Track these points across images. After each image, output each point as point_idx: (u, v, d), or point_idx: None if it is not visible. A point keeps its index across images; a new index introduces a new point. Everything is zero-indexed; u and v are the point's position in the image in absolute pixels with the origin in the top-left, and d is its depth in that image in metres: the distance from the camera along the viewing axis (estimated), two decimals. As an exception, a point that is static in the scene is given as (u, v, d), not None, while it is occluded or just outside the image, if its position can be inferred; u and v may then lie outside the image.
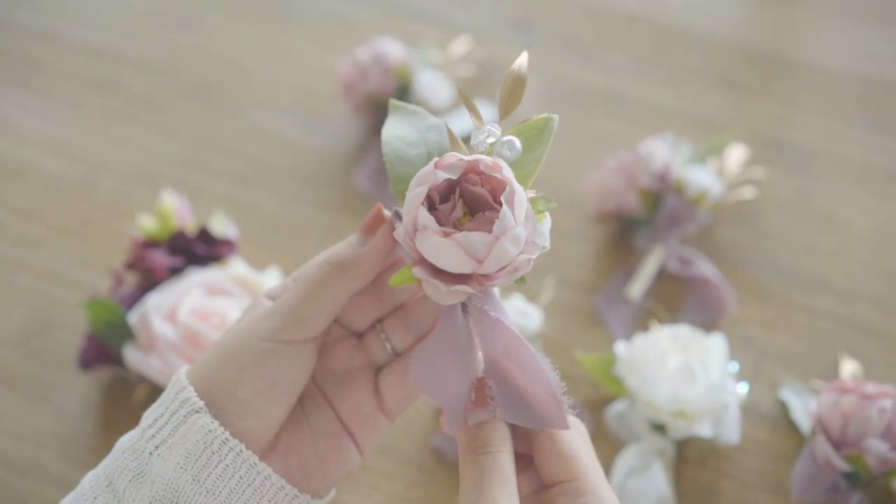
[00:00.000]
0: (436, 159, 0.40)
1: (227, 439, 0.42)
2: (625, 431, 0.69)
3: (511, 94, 0.43)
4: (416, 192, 0.40)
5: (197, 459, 0.42)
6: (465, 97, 0.43)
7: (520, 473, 0.45)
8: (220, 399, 0.43)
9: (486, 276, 0.39)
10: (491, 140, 0.42)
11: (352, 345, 0.50)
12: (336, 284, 0.45)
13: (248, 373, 0.43)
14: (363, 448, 0.49)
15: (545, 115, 0.43)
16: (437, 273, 0.40)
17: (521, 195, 0.39)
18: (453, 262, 0.39)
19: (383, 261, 0.46)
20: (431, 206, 0.40)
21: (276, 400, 0.44)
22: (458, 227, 0.40)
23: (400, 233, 0.41)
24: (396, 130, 0.45)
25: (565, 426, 0.42)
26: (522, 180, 0.42)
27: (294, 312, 0.44)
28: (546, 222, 0.42)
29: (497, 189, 0.40)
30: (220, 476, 0.42)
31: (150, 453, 0.43)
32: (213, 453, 0.42)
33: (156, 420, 0.44)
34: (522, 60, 0.43)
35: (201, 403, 0.43)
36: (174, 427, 0.43)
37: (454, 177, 0.40)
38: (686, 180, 0.81)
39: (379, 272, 0.47)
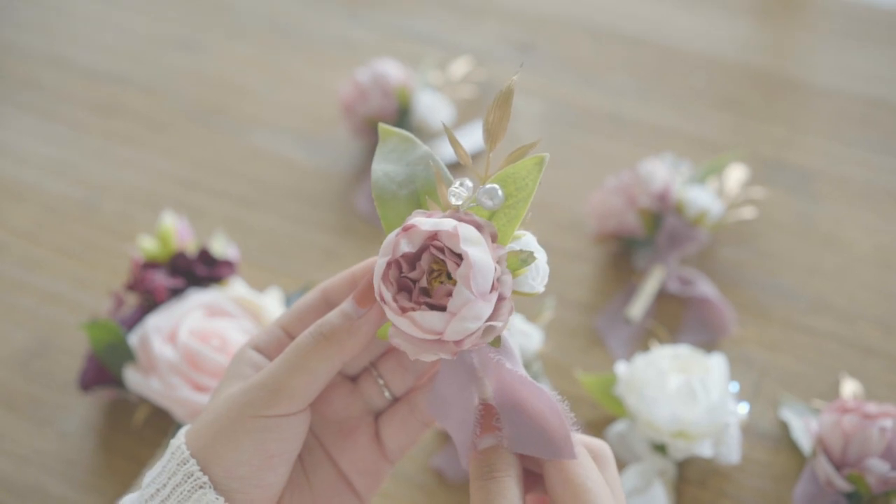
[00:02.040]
0: (406, 222, 0.40)
1: None
2: (625, 452, 0.68)
3: (498, 124, 0.41)
4: (379, 264, 0.40)
5: None
6: (449, 133, 0.42)
7: (540, 499, 0.46)
8: (220, 474, 0.43)
9: (457, 342, 0.39)
10: (466, 195, 0.41)
11: (347, 390, 0.49)
12: (329, 358, 0.44)
13: (245, 451, 0.43)
14: (366, 499, 0.49)
15: (535, 154, 0.42)
16: (411, 337, 0.40)
17: (482, 265, 0.38)
18: (415, 334, 0.39)
19: (378, 327, 0.45)
20: (401, 272, 0.40)
21: (275, 469, 0.44)
22: (426, 292, 0.40)
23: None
24: (385, 166, 0.44)
25: (572, 456, 0.42)
26: (507, 225, 0.41)
27: (286, 387, 0.43)
28: (536, 269, 0.41)
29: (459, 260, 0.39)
30: None
31: None
32: None
33: (158, 490, 0.44)
34: (510, 86, 0.41)
35: (206, 478, 0.43)
36: (178, 501, 0.43)
37: (413, 249, 0.39)
38: (686, 200, 0.81)
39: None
